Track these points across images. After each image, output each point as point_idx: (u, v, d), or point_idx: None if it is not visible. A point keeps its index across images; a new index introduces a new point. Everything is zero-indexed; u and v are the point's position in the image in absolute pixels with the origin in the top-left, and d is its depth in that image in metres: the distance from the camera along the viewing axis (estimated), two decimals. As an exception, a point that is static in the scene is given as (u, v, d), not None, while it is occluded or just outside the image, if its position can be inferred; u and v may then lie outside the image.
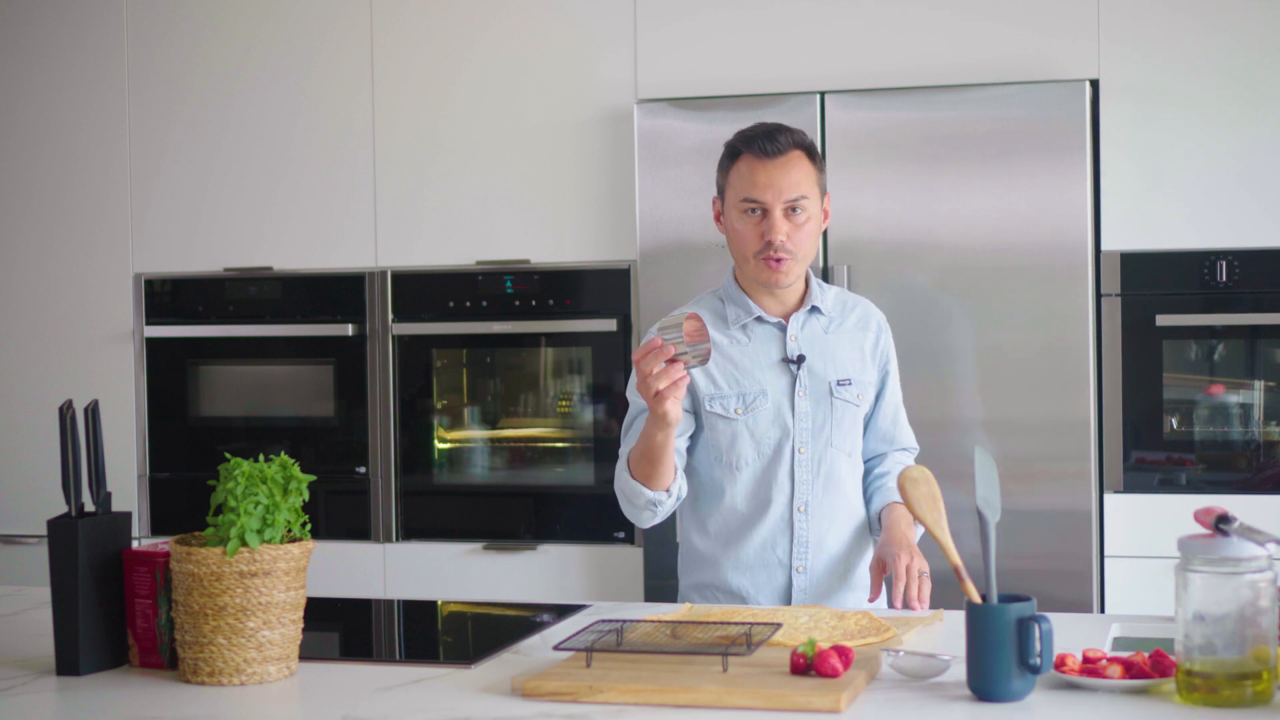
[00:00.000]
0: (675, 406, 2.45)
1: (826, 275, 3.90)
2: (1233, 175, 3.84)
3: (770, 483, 2.76)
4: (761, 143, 2.70)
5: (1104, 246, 3.87)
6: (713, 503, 2.80)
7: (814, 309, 2.79)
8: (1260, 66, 3.83)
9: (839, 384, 2.77)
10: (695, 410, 2.79)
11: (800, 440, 2.75)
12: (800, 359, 2.76)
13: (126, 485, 4.48)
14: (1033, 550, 3.80)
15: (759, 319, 2.78)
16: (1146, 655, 2.04)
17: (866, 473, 2.89)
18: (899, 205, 3.91)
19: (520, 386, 4.39)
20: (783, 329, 2.78)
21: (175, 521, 4.47)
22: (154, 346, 4.52)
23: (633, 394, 2.76)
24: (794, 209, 2.69)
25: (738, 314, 2.79)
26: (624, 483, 2.69)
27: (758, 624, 2.27)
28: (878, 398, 2.86)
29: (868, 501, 2.87)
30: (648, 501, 2.67)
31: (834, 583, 2.79)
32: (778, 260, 2.70)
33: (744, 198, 2.71)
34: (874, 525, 2.83)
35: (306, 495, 2.21)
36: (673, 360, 2.40)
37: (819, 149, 2.84)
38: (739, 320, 2.79)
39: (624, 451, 2.77)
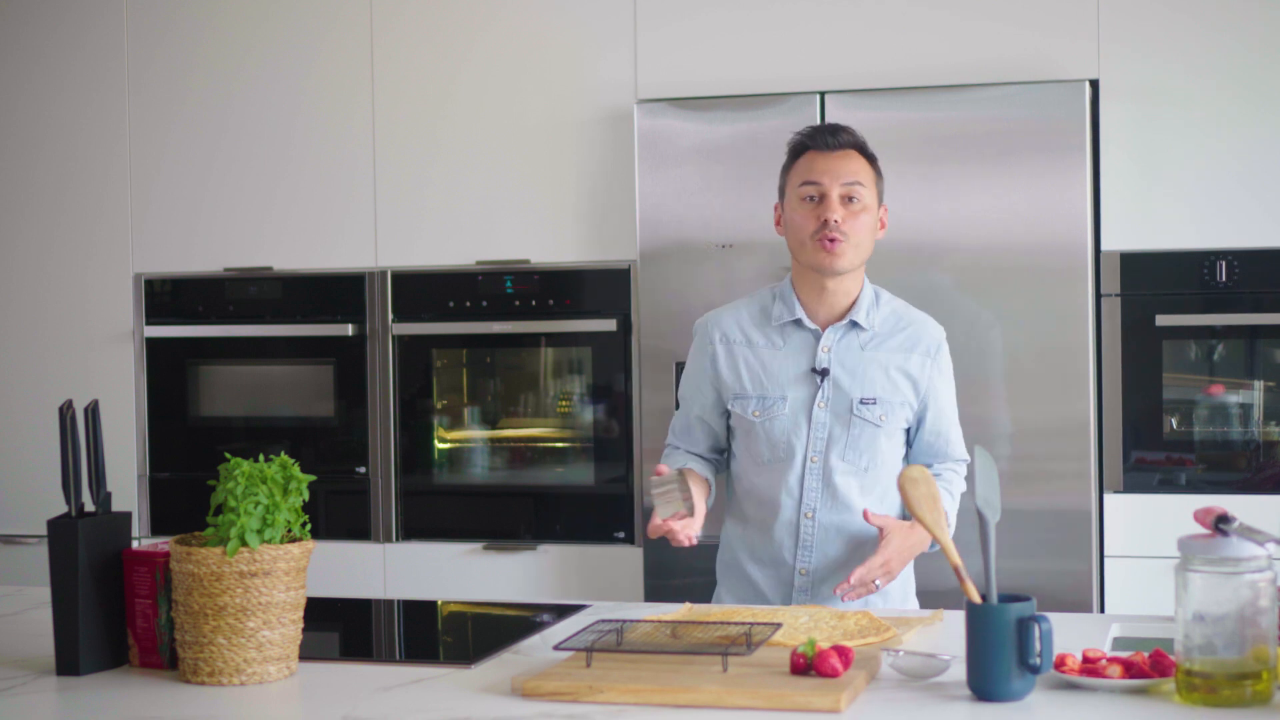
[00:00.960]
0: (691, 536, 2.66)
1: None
2: (1233, 175, 3.83)
3: (782, 485, 2.81)
4: (824, 137, 2.80)
5: (1104, 246, 3.87)
6: (746, 490, 2.88)
7: (854, 323, 2.81)
8: (1260, 66, 3.83)
9: (862, 402, 2.79)
10: (723, 405, 2.88)
11: (814, 450, 2.79)
12: (825, 372, 2.78)
13: (126, 485, 4.48)
14: (1033, 550, 3.80)
15: (797, 322, 2.81)
16: (1146, 655, 2.04)
17: None
18: (898, 205, 3.90)
19: (520, 386, 4.39)
20: (818, 338, 2.81)
21: (175, 521, 4.47)
22: (154, 346, 4.52)
23: (682, 391, 2.95)
24: (850, 198, 2.76)
25: (780, 312, 2.84)
26: None
27: (758, 624, 2.27)
28: (922, 417, 2.84)
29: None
30: None
31: (833, 584, 2.78)
32: (832, 240, 2.74)
33: (803, 181, 2.78)
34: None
35: (306, 495, 2.21)
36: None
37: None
38: (780, 319, 2.83)
39: (671, 436, 2.98)
